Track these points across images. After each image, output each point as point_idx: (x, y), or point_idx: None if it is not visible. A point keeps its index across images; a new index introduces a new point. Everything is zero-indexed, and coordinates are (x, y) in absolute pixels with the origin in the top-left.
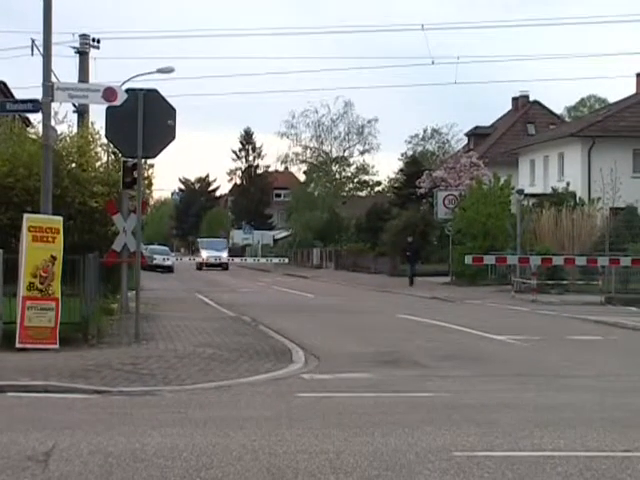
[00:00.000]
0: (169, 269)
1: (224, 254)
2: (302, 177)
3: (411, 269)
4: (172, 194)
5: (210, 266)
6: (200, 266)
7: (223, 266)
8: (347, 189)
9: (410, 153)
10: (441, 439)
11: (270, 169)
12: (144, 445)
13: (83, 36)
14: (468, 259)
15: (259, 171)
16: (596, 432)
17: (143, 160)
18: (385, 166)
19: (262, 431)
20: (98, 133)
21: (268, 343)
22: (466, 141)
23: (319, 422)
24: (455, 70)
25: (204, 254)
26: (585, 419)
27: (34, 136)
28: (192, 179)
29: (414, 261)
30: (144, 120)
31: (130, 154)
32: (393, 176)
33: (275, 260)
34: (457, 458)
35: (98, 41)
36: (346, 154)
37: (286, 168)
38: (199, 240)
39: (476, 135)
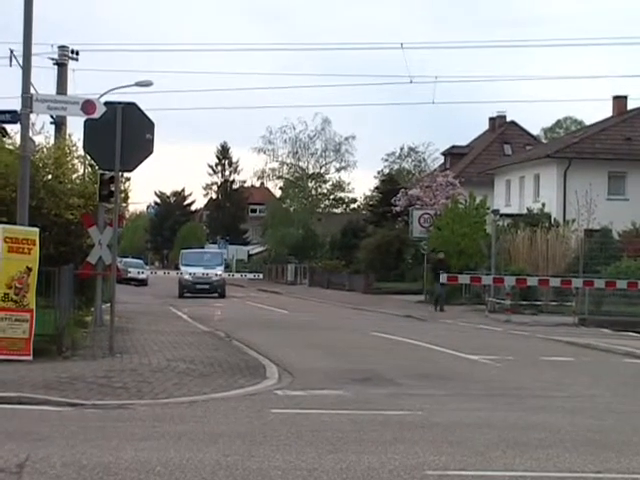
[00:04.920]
0: (143, 282)
1: (218, 271)
2: (278, 193)
3: (441, 290)
4: (147, 207)
5: (197, 291)
6: (181, 290)
7: (217, 290)
8: (323, 206)
9: (386, 171)
10: (414, 458)
11: (246, 184)
12: (117, 459)
13: (62, 47)
14: (443, 278)
15: (235, 186)
16: (568, 453)
17: (120, 173)
18: (361, 183)
19: (235, 447)
20: (75, 145)
21: (242, 358)
22: (442, 160)
23: (292, 439)
24: (433, 89)
25: (187, 272)
26: (557, 440)
27: (11, 147)
28: (168, 193)
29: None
30: (122, 133)
31: (108, 167)
32: (369, 194)
33: (249, 275)
34: (430, 477)
35: (77, 53)
36: (322, 171)
37: (262, 184)
38: (183, 252)
39: (452, 154)
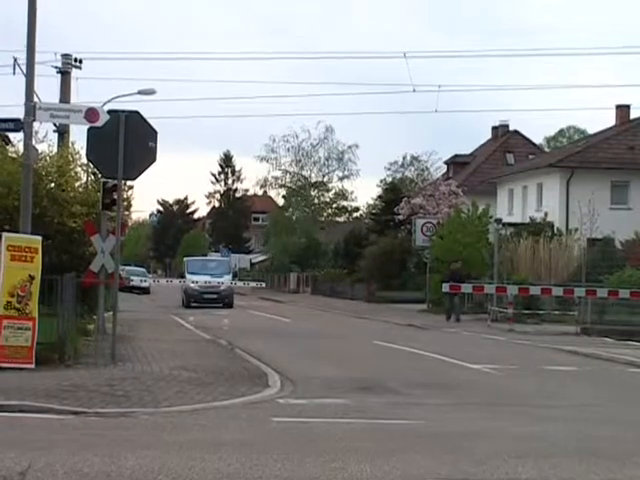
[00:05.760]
0: (146, 291)
1: (226, 280)
2: (281, 201)
3: (456, 301)
4: (150, 215)
5: (204, 301)
6: (188, 300)
7: (225, 301)
8: (325, 214)
9: (389, 180)
10: (416, 467)
11: (249, 193)
12: (119, 467)
13: (65, 56)
14: (445, 287)
15: (238, 194)
16: (570, 462)
17: (123, 181)
18: (364, 192)
19: (237, 455)
20: (78, 153)
21: (244, 367)
22: (445, 169)
23: (294, 447)
24: (436, 98)
25: (193, 281)
26: (559, 449)
27: (14, 155)
28: (170, 201)
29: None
30: (125, 142)
31: (110, 175)
32: (372, 202)
33: (252, 284)
34: None
35: (80, 61)
36: (325, 179)
37: (265, 192)
38: (187, 260)
39: (455, 163)
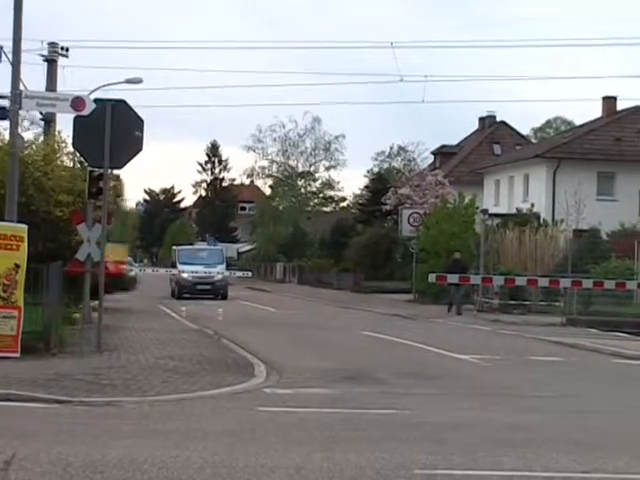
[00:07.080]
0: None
1: (221, 270)
2: (268, 191)
3: (457, 292)
4: (137, 204)
5: (197, 292)
6: (180, 292)
7: (220, 292)
8: (312, 204)
9: (376, 170)
10: (401, 457)
11: (236, 182)
12: (104, 456)
13: (52, 44)
14: (431, 277)
15: (224, 184)
16: (555, 453)
17: (109, 170)
18: (350, 182)
19: (223, 445)
20: (64, 142)
21: (230, 356)
22: (432, 159)
23: (280, 437)
24: (423, 88)
25: (185, 271)
26: (545, 439)
27: (0, 143)
28: (157, 190)
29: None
30: (112, 131)
31: (97, 164)
32: (358, 192)
33: (238, 273)
34: (417, 476)
35: (67, 49)
36: (312, 169)
37: (252, 182)
38: (178, 249)
39: (442, 154)
